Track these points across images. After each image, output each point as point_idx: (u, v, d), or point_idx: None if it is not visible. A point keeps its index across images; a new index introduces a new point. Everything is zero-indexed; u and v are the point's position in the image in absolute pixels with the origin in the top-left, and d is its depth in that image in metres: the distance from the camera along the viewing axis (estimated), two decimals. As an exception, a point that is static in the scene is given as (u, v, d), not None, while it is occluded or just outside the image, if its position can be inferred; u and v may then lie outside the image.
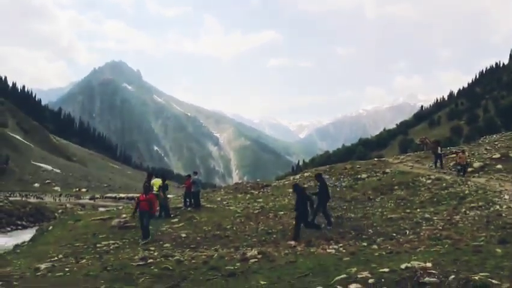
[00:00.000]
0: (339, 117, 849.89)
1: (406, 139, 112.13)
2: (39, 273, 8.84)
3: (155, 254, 10.51)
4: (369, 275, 5.61)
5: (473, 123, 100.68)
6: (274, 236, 12.58)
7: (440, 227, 11.38)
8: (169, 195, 20.28)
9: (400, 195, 17.35)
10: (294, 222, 12.25)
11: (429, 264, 5.80)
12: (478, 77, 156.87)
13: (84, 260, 10.41)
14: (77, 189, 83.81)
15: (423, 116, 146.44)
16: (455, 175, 19.73)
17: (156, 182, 16.32)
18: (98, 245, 12.55)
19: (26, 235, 20.32)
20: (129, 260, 9.61)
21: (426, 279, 5.10)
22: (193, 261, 9.04)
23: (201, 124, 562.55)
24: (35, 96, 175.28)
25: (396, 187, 18.66)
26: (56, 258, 11.25)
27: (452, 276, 5.10)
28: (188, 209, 17.67)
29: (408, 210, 14.70)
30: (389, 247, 9.13)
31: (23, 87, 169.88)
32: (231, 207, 18.11)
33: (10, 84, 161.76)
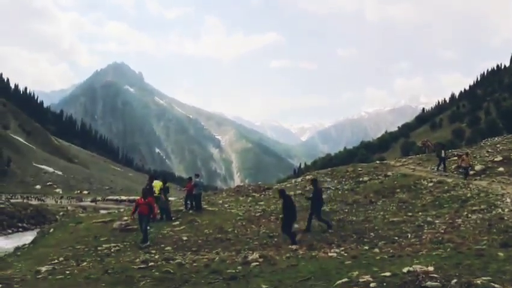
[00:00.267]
0: (341, 119, 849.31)
1: (408, 142, 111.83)
2: (40, 276, 8.85)
3: (157, 257, 10.50)
4: (370, 279, 5.60)
5: (474, 126, 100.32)
6: (276, 239, 12.53)
7: (442, 231, 11.36)
8: (170, 198, 20.22)
9: (402, 198, 17.30)
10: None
11: (431, 268, 5.77)
12: (479, 79, 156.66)
13: (85, 263, 10.41)
14: (79, 191, 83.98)
15: (425, 118, 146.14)
16: (463, 178, 19.67)
17: (157, 184, 16.26)
18: (99, 248, 12.51)
19: (27, 237, 20.34)
20: (130, 263, 9.61)
21: (428, 283, 5.08)
22: (195, 264, 9.04)
23: (203, 126, 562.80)
24: (37, 98, 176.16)
25: (398, 190, 18.62)
26: (57, 260, 11.22)
27: (455, 280, 5.08)
28: (190, 211, 17.59)
29: (410, 214, 14.67)
30: (391, 251, 9.12)
31: (25, 89, 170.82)
32: (233, 210, 18.05)
33: (12, 86, 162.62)
